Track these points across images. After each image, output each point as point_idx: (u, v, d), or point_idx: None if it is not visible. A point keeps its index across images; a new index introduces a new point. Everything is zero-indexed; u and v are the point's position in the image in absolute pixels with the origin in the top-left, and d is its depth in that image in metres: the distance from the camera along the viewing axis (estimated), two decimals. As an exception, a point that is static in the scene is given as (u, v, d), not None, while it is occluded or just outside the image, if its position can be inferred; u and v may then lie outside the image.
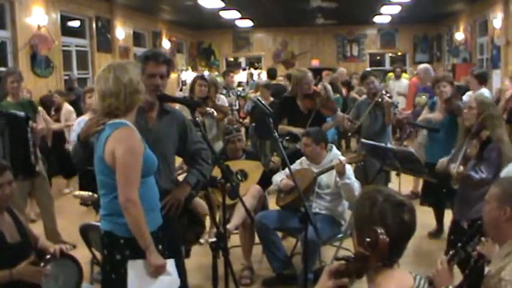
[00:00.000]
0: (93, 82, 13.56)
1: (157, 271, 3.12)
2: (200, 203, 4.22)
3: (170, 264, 3.29)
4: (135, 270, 3.10)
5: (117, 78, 3.13)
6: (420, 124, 6.62)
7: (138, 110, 3.33)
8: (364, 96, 7.61)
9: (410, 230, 2.23)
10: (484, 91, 7.64)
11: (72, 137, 6.63)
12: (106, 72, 3.18)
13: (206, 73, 17.40)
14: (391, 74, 15.33)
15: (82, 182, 7.06)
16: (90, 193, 6.06)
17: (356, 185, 5.15)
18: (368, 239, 2.12)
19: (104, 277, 3.30)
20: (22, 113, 5.68)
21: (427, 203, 6.40)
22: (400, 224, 2.18)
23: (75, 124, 6.67)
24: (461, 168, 4.51)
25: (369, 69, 17.16)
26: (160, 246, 3.21)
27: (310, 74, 6.82)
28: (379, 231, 2.10)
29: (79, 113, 11.70)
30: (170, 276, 3.25)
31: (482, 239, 3.03)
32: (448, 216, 6.34)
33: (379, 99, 6.92)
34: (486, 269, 2.90)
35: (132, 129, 3.13)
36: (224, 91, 10.86)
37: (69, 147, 6.85)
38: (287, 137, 6.43)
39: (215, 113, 7.20)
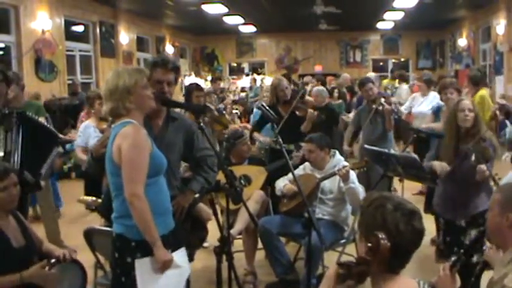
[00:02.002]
0: (96, 87, 13.71)
1: (164, 266, 3.14)
2: (204, 208, 4.23)
3: (181, 254, 3.32)
4: (142, 268, 3.12)
5: (107, 83, 3.21)
6: (425, 131, 6.62)
7: (144, 117, 3.36)
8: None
9: (421, 237, 2.25)
10: (433, 93, 8.37)
11: (77, 142, 6.59)
12: None
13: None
14: (387, 81, 15.10)
15: (87, 187, 7.08)
16: (94, 198, 6.09)
17: (360, 189, 5.16)
18: (369, 244, 2.14)
19: (114, 280, 3.31)
20: (41, 121, 5.68)
21: (430, 212, 6.37)
22: (412, 231, 2.21)
23: (80, 128, 6.65)
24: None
25: (372, 74, 17.17)
26: (170, 251, 3.20)
27: (284, 82, 6.80)
28: (380, 236, 2.12)
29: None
30: (179, 269, 3.27)
31: (487, 244, 3.04)
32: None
33: (379, 107, 6.93)
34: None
35: (138, 126, 3.15)
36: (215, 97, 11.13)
37: (76, 152, 6.84)
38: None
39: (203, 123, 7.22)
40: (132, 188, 3.03)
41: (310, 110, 6.71)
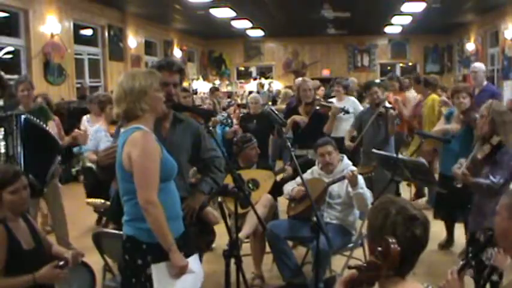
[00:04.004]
0: (105, 90, 13.76)
1: (180, 271, 3.16)
2: (211, 211, 4.24)
3: (194, 259, 3.33)
4: (159, 273, 3.12)
5: (121, 85, 3.20)
6: (431, 134, 6.61)
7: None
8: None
9: (421, 244, 2.24)
10: (350, 98, 9.12)
11: (88, 146, 6.59)
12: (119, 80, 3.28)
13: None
14: None
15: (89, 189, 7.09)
16: (103, 201, 6.10)
17: (368, 194, 5.16)
18: (379, 248, 2.15)
19: (124, 282, 3.33)
20: (44, 126, 5.67)
21: (440, 217, 6.36)
22: (411, 238, 2.20)
23: (91, 132, 6.66)
24: (466, 170, 4.53)
25: (377, 80, 17.16)
26: (182, 255, 3.21)
27: (309, 83, 6.91)
28: (390, 240, 2.12)
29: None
30: (193, 274, 3.27)
31: (495, 250, 3.04)
32: (457, 227, 6.35)
33: (382, 110, 6.96)
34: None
35: (147, 132, 3.15)
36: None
37: (88, 155, 6.85)
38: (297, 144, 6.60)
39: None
40: (146, 195, 3.03)
41: (335, 106, 6.80)
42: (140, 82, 3.17)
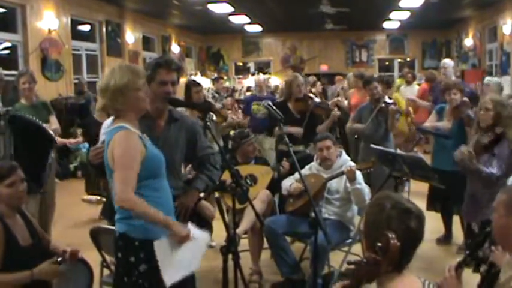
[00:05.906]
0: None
1: (183, 241, 3.14)
2: (207, 205, 4.22)
3: (191, 228, 3.30)
4: (161, 249, 3.11)
5: (102, 79, 3.21)
6: (431, 130, 6.61)
7: (147, 118, 3.37)
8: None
9: (417, 237, 2.25)
10: None
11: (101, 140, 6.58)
12: None
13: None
14: (400, 81, 15.26)
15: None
16: (98, 197, 6.09)
17: (366, 190, 5.16)
18: (379, 244, 2.14)
19: (116, 280, 3.32)
20: (40, 124, 5.63)
21: (433, 208, 6.39)
22: (406, 230, 2.20)
23: (104, 125, 6.64)
24: (472, 150, 4.57)
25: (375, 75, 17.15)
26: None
27: (300, 78, 6.94)
28: (390, 235, 2.12)
29: (88, 116, 11.77)
30: (195, 240, 3.24)
31: (493, 247, 3.02)
32: (456, 222, 6.35)
33: (383, 105, 6.95)
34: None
35: (130, 131, 3.11)
36: (216, 95, 11.17)
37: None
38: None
39: (214, 117, 7.17)
40: (122, 195, 2.99)
41: (335, 110, 6.87)
42: (115, 80, 3.10)
